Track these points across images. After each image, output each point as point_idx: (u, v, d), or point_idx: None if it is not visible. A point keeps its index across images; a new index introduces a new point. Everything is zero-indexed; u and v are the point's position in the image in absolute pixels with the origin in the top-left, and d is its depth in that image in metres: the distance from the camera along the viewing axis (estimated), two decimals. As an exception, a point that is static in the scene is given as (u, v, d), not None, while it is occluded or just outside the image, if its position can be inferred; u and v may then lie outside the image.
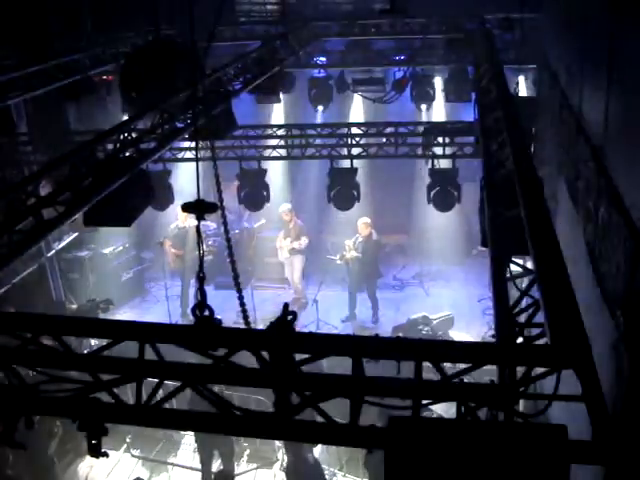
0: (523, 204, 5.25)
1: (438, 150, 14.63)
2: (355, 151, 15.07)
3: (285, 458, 12.44)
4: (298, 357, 4.15)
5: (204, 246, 6.45)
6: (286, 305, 4.52)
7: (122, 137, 8.73)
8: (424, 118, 18.14)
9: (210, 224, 18.89)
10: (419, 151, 14.87)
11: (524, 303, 4.54)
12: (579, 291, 4.20)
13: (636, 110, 5.25)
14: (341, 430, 3.95)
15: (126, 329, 4.61)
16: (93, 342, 13.22)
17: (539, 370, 3.78)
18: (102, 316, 14.50)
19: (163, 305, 17.50)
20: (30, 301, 15.11)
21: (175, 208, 15.37)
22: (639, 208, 4.64)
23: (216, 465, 12.48)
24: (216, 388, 6.45)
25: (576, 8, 9.03)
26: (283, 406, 4.04)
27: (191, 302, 16.68)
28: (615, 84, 6.16)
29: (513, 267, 4.95)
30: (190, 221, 16.75)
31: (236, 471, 12.46)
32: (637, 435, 3.93)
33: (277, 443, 12.60)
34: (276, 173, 19.02)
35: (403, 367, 4.26)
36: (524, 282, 4.73)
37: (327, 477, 12.22)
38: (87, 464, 12.63)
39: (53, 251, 16.66)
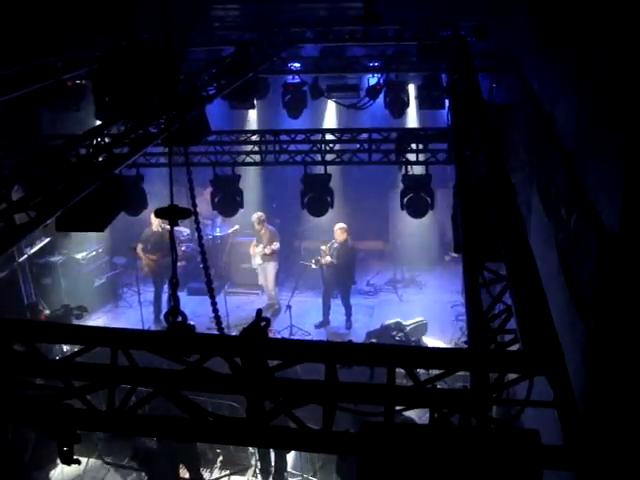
0: (496, 211, 5.28)
1: (412, 156, 14.70)
2: (329, 157, 15.10)
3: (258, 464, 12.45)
4: (271, 363, 4.14)
5: (177, 251, 6.46)
6: (259, 311, 4.52)
7: (95, 142, 8.69)
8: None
9: (183, 230, 18.82)
10: (393, 157, 14.91)
11: (497, 309, 4.57)
12: (551, 297, 4.23)
13: (607, 118, 5.30)
14: (314, 436, 3.94)
15: (98, 335, 4.58)
16: (65, 348, 13.11)
17: (512, 376, 3.80)
18: (75, 322, 14.39)
19: (136, 311, 17.39)
20: (1, 307, 14.95)
21: (149, 213, 15.31)
22: (609, 215, 4.69)
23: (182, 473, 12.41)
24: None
25: (549, 16, 9.11)
26: (256, 412, 4.03)
27: (164, 308, 16.61)
28: (587, 92, 6.22)
29: (486, 273, 4.98)
30: (163, 226, 16.69)
31: (209, 477, 12.39)
32: (608, 440, 3.96)
33: (250, 449, 12.56)
34: (250, 179, 19.00)
35: (376, 373, 4.27)
36: (497, 288, 4.76)
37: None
38: (59, 471, 12.50)
39: (25, 256, 16.47)
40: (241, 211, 16.07)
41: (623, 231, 4.45)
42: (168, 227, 6.48)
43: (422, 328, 15.95)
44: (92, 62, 14.27)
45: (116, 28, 14.09)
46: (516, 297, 4.17)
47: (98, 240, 18.31)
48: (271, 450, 12.08)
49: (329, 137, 15.26)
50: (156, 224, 17.10)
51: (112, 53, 8.81)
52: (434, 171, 14.50)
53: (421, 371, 3.99)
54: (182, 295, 6.35)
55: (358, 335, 15.99)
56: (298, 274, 18.26)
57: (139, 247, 17.56)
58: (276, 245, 17.86)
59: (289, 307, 16.57)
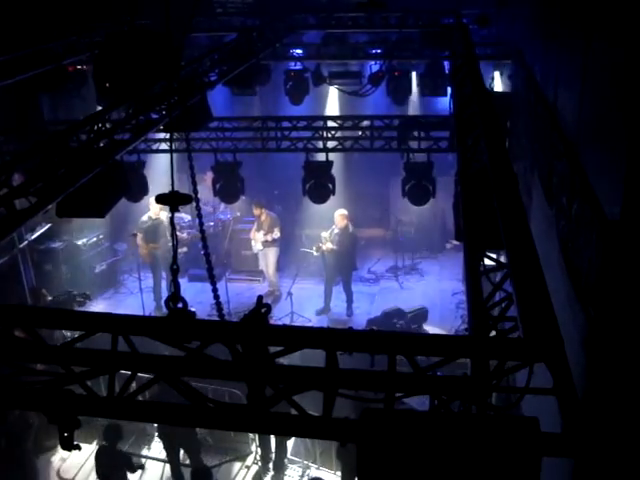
0: (497, 199, 5.27)
1: (413, 144, 14.68)
2: (331, 144, 15.08)
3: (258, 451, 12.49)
4: (272, 350, 4.14)
5: (178, 238, 6.45)
6: (260, 297, 4.51)
7: (96, 128, 8.68)
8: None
9: (184, 216, 18.81)
10: (394, 145, 14.89)
11: (497, 297, 4.57)
12: (552, 285, 4.23)
13: (610, 106, 5.29)
14: (314, 423, 3.95)
15: (99, 321, 4.58)
16: (67, 334, 13.12)
17: (512, 363, 3.80)
18: (77, 309, 14.40)
19: (137, 297, 17.44)
20: (2, 293, 14.97)
21: (148, 200, 15.30)
22: (611, 203, 4.68)
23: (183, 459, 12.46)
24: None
25: (551, 4, 9.08)
26: (257, 399, 4.04)
27: (165, 294, 16.61)
28: (589, 80, 6.20)
29: (487, 261, 4.98)
30: (163, 213, 16.68)
31: (209, 464, 12.43)
32: (607, 428, 3.96)
33: (251, 435, 12.60)
34: (251, 166, 18.98)
35: (377, 360, 4.27)
36: (498, 276, 4.76)
37: (300, 469, 12.26)
38: (59, 457, 12.55)
39: (26, 242, 16.48)
40: (242, 198, 16.06)
41: (624, 219, 4.44)
42: (168, 213, 6.46)
43: (423, 315, 15.99)
44: (93, 47, 14.23)
45: (117, 13, 14.06)
46: (517, 285, 4.17)
47: (99, 226, 18.31)
48: (271, 436, 12.11)
49: (331, 124, 15.23)
50: (156, 210, 17.05)
51: (113, 38, 8.79)
52: (436, 158, 14.49)
53: (421, 358, 3.98)
54: (183, 282, 6.33)
55: (359, 322, 16.03)
56: (299, 261, 18.26)
57: (137, 235, 17.53)
58: (277, 233, 17.84)
59: (290, 294, 16.58)
